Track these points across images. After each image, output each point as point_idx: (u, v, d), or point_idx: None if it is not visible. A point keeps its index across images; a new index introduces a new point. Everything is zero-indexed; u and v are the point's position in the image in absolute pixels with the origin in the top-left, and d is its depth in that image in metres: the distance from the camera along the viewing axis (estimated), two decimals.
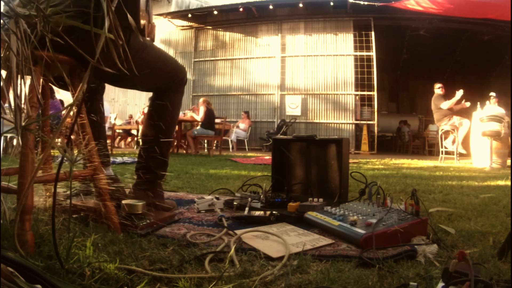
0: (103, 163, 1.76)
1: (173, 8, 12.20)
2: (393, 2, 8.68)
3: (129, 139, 11.29)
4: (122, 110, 12.44)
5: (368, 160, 6.63)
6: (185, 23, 11.67)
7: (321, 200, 1.68)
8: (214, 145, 8.02)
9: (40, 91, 1.08)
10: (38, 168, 0.90)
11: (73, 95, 1.21)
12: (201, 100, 7.63)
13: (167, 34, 11.82)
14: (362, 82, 9.88)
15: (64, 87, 1.46)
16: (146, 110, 8.60)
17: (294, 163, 2.08)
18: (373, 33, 9.87)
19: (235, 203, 1.75)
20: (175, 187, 2.52)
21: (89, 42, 0.93)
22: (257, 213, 1.61)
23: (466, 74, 12.78)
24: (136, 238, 1.18)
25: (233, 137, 9.68)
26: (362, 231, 1.19)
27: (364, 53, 9.90)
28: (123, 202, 1.32)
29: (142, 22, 1.47)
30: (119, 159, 4.81)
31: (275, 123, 10.49)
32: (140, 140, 1.85)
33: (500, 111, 5.28)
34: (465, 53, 11.79)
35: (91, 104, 1.81)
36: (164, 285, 0.86)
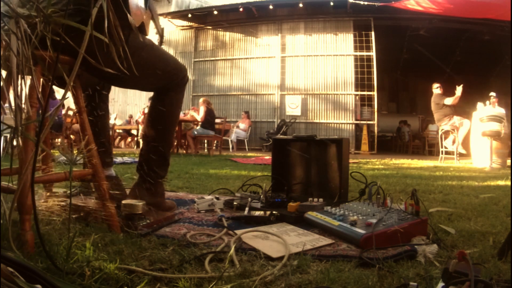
0: (106, 163, 1.76)
1: (173, 8, 12.20)
2: (393, 2, 8.67)
3: (129, 139, 11.30)
4: (122, 110, 12.44)
5: (368, 160, 6.63)
6: (185, 23, 11.67)
7: (321, 200, 1.68)
8: (214, 145, 8.02)
9: (40, 91, 1.08)
10: (25, 167, 0.90)
11: (73, 95, 1.21)
12: (201, 100, 7.63)
13: (167, 34, 11.81)
14: (362, 82, 9.88)
15: (64, 87, 1.46)
16: (146, 110, 8.60)
17: (294, 163, 2.08)
18: (373, 33, 9.87)
19: (235, 203, 1.75)
20: (175, 187, 2.52)
21: (88, 41, 0.93)
22: (257, 213, 1.61)
23: (466, 74, 12.77)
24: (136, 238, 1.18)
25: (233, 137, 9.68)
26: (362, 231, 1.19)
27: (364, 53, 9.90)
28: (123, 202, 1.32)
29: (141, 20, 1.46)
30: (119, 159, 4.81)
31: (275, 123, 10.49)
32: (141, 140, 1.85)
33: (500, 111, 5.28)
34: (465, 53, 11.78)
35: (96, 103, 1.81)
36: (164, 285, 0.86)
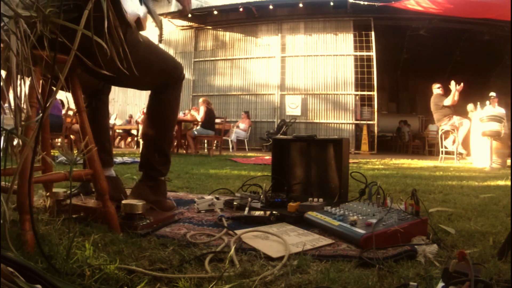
0: (106, 163, 1.77)
1: (173, 8, 12.18)
2: (393, 2, 8.68)
3: (129, 139, 11.31)
4: (122, 110, 12.45)
5: (368, 160, 6.63)
6: (185, 23, 11.68)
7: (321, 200, 1.67)
8: (214, 145, 8.02)
9: (40, 91, 1.08)
10: (19, 167, 0.90)
11: (72, 95, 1.21)
12: (200, 100, 7.64)
13: (167, 34, 11.82)
14: (362, 82, 9.89)
15: (63, 87, 1.46)
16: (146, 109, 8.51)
17: (294, 163, 2.08)
18: (373, 33, 9.87)
19: (235, 203, 1.75)
20: (175, 187, 2.52)
21: (86, 39, 0.93)
22: (257, 213, 1.61)
23: (466, 74, 12.76)
24: (136, 238, 1.18)
25: (233, 137, 9.68)
26: (362, 231, 1.19)
27: (364, 53, 9.90)
28: (123, 202, 1.32)
29: (136, 15, 1.45)
30: (119, 159, 4.81)
31: (275, 123, 10.49)
32: (141, 140, 1.86)
33: (500, 111, 5.28)
34: (465, 53, 11.79)
35: (96, 104, 1.81)
36: (164, 285, 0.86)
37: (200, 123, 7.34)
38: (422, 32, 10.25)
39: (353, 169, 2.38)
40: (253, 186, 2.19)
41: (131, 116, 11.62)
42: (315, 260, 1.05)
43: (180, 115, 8.60)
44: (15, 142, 0.91)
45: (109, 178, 1.68)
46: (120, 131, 10.85)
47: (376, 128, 10.09)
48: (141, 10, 1.41)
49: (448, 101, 6.27)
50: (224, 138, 8.41)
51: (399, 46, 12.15)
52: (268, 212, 1.56)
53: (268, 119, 10.80)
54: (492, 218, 1.65)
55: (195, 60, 11.60)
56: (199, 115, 7.36)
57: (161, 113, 1.61)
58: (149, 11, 1.56)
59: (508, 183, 3.15)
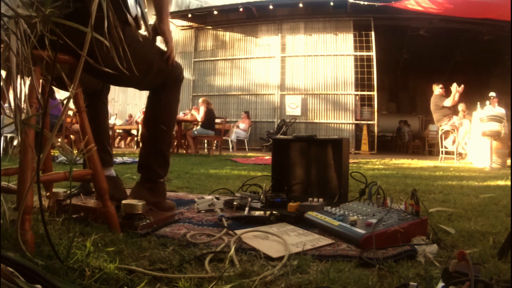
0: (107, 163, 1.76)
1: (173, 8, 12.19)
2: (393, 2, 8.68)
3: (129, 139, 11.30)
4: (122, 110, 12.45)
5: (368, 160, 6.63)
6: (185, 23, 11.67)
7: (321, 200, 1.67)
8: (214, 145, 8.02)
9: (40, 91, 1.08)
10: (39, 166, 0.90)
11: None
12: (200, 100, 7.64)
13: (170, 25, 11.79)
14: (362, 82, 9.88)
15: (63, 87, 1.46)
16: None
17: (294, 163, 2.08)
18: (373, 33, 9.87)
19: (235, 203, 1.75)
20: (175, 187, 2.52)
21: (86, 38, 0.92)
22: (257, 213, 1.61)
23: (466, 74, 12.77)
24: (136, 238, 1.18)
25: (233, 137, 9.68)
26: (362, 231, 1.19)
27: (364, 53, 9.90)
28: (123, 202, 1.32)
29: (135, 15, 1.45)
30: (119, 159, 4.81)
31: (275, 123, 10.49)
32: (140, 140, 1.85)
33: (500, 111, 5.28)
34: (465, 53, 11.79)
35: (95, 104, 1.81)
36: (164, 285, 0.86)
37: (200, 123, 7.34)
38: (422, 32, 10.25)
39: (353, 169, 2.38)
40: (253, 186, 2.19)
41: (130, 116, 11.62)
42: (315, 260, 1.05)
43: (180, 115, 8.60)
44: (15, 143, 0.91)
45: (109, 178, 1.68)
46: (120, 131, 10.85)
47: (376, 128, 10.09)
48: (138, 10, 1.41)
49: (448, 102, 6.29)
50: (224, 138, 8.41)
51: (399, 46, 12.14)
52: (268, 212, 1.56)
53: (268, 119, 10.80)
54: (492, 218, 1.65)
55: (195, 60, 11.60)
56: (199, 115, 7.36)
57: (160, 114, 1.61)
58: (142, 15, 1.56)
59: (508, 183, 3.15)
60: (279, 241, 1.20)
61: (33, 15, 0.88)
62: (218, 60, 11.41)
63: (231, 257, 1.02)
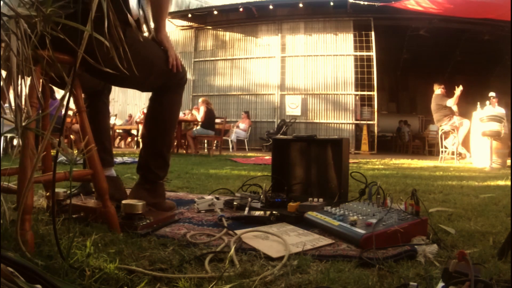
0: (107, 163, 1.76)
1: (173, 8, 12.19)
2: (393, 2, 8.68)
3: (129, 139, 11.31)
4: (122, 110, 12.45)
5: (368, 160, 6.63)
6: (185, 23, 11.67)
7: (321, 200, 1.67)
8: (214, 145, 8.02)
9: (40, 91, 1.08)
10: (35, 165, 0.90)
11: (73, 95, 1.21)
12: (200, 100, 7.64)
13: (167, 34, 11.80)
14: (362, 82, 9.89)
15: (63, 87, 1.46)
16: (146, 110, 8.55)
17: (294, 163, 2.08)
18: (373, 33, 9.87)
19: (235, 203, 1.75)
20: (175, 187, 2.52)
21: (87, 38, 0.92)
22: (257, 213, 1.61)
23: (466, 74, 12.77)
24: (136, 238, 1.18)
25: (233, 137, 9.68)
26: (362, 231, 1.19)
27: (364, 53, 9.90)
28: (123, 202, 1.32)
29: (135, 17, 1.46)
30: (119, 159, 4.81)
31: (275, 123, 10.49)
32: (140, 140, 1.85)
33: (500, 111, 5.28)
34: (465, 53, 11.79)
35: (96, 104, 1.81)
36: (164, 285, 0.86)
37: (200, 123, 7.34)
38: (422, 32, 10.25)
39: (353, 169, 2.38)
40: (253, 186, 2.19)
41: (130, 116, 11.62)
42: (315, 260, 1.05)
43: (180, 115, 8.60)
44: (15, 142, 0.91)
45: (110, 178, 1.68)
46: (120, 131, 10.85)
47: (376, 128, 10.09)
48: (140, 13, 1.42)
49: (451, 102, 6.32)
50: (224, 138, 8.41)
51: (399, 46, 12.14)
52: (268, 212, 1.56)
53: (268, 119, 10.80)
54: (492, 218, 1.65)
55: (195, 60, 11.60)
56: (199, 115, 7.37)
57: (161, 115, 1.60)
58: (145, 17, 1.56)
59: (508, 183, 3.16)
60: (279, 241, 1.20)
61: (33, 15, 0.88)
62: (218, 60, 11.41)
63: (231, 257, 1.02)
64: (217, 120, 8.05)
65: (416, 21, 9.84)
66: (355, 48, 10.05)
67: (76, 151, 1.10)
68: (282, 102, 10.67)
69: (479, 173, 4.22)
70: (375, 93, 9.82)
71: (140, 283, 0.84)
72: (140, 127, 8.97)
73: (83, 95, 1.72)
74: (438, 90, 6.70)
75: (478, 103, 5.70)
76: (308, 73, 10.47)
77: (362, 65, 9.92)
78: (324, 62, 10.36)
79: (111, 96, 1.93)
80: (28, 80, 0.96)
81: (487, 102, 5.49)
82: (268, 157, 6.37)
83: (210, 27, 11.57)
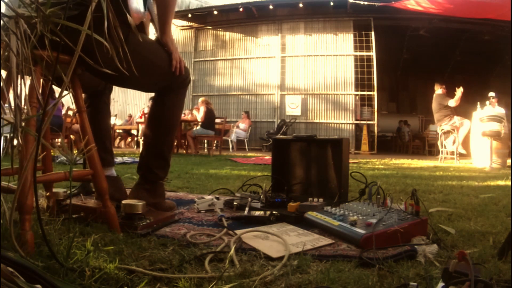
0: (107, 162, 1.76)
1: None
2: (393, 2, 8.68)
3: (129, 139, 11.31)
4: (122, 110, 12.45)
5: (368, 160, 6.63)
6: (185, 23, 11.67)
7: (321, 200, 1.67)
8: (214, 145, 8.02)
9: (40, 91, 1.08)
10: (27, 164, 0.90)
11: (72, 95, 1.21)
12: (200, 100, 7.64)
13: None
14: (362, 82, 9.89)
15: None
16: (146, 110, 8.59)
17: (294, 163, 2.08)
18: (373, 33, 9.87)
19: (235, 203, 1.75)
20: (175, 187, 2.52)
21: (87, 38, 0.92)
22: (257, 213, 1.61)
23: (466, 74, 12.78)
24: (136, 238, 1.18)
25: (233, 137, 9.68)
26: (362, 231, 1.19)
27: (364, 53, 9.90)
28: (123, 202, 1.32)
29: (140, 20, 1.46)
30: (119, 159, 4.81)
31: (275, 123, 10.49)
32: (141, 140, 1.86)
33: (500, 111, 5.28)
34: (465, 53, 11.79)
35: (97, 104, 1.81)
36: (164, 285, 0.86)
37: (200, 123, 7.34)
38: (422, 32, 10.25)
39: (353, 169, 2.38)
40: (253, 186, 2.19)
41: (130, 116, 11.62)
42: (315, 260, 1.05)
43: None
44: (15, 142, 0.91)
45: (110, 177, 1.68)
46: (120, 131, 10.85)
47: (376, 128, 10.09)
48: (144, 14, 1.42)
49: (453, 103, 6.33)
50: (224, 138, 8.41)
51: (399, 46, 12.14)
52: (268, 212, 1.55)
53: (268, 119, 10.80)
54: (492, 218, 1.65)
55: (195, 60, 11.60)
56: (199, 115, 7.37)
57: (164, 116, 1.60)
58: (152, 19, 1.56)
59: (508, 183, 3.16)
60: (279, 241, 1.20)
61: (33, 15, 0.89)
62: (218, 60, 11.41)
63: (231, 257, 1.02)
64: (217, 120, 8.05)
65: (416, 21, 9.84)
66: (355, 48, 10.05)
67: (76, 151, 1.10)
68: (282, 102, 10.67)
69: (479, 173, 4.22)
70: (375, 93, 9.82)
71: (140, 283, 0.84)
72: (140, 127, 8.97)
73: (83, 95, 1.72)
74: (439, 90, 6.71)
75: (478, 103, 5.70)
76: (308, 73, 10.47)
77: (362, 65, 9.92)
78: (324, 62, 10.36)
79: (111, 96, 1.93)
80: (28, 80, 0.96)
81: (487, 102, 5.49)
82: (268, 157, 6.37)
83: (210, 27, 11.57)
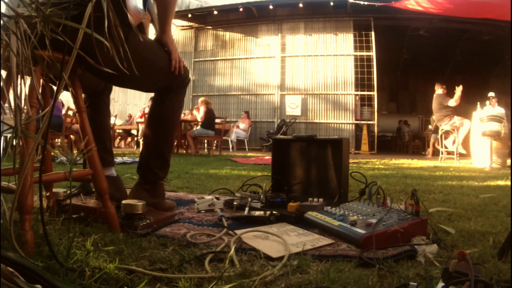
0: (108, 162, 1.76)
1: None
2: (393, 2, 8.68)
3: (129, 139, 11.31)
4: (122, 110, 12.45)
5: (368, 160, 6.63)
6: (185, 23, 11.68)
7: (321, 200, 1.67)
8: (214, 145, 8.02)
9: (40, 91, 1.08)
10: (25, 165, 0.90)
11: (72, 95, 1.21)
12: (200, 100, 7.64)
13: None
14: (362, 82, 9.89)
15: (64, 87, 1.46)
16: (146, 110, 8.58)
17: (294, 163, 2.08)
18: (373, 33, 9.88)
19: (235, 203, 1.75)
20: (175, 187, 2.52)
21: (87, 38, 0.92)
22: (257, 213, 1.61)
23: (466, 74, 12.78)
24: (136, 238, 1.18)
25: (233, 137, 9.68)
26: (362, 231, 1.19)
27: (364, 53, 9.91)
28: (123, 202, 1.32)
29: (140, 20, 1.46)
30: (119, 159, 4.81)
31: (275, 123, 10.49)
32: (141, 140, 1.86)
33: (500, 111, 5.28)
34: (465, 53, 11.80)
35: (97, 104, 1.81)
36: (164, 285, 0.86)
37: (200, 123, 7.35)
38: (422, 32, 10.26)
39: (353, 169, 2.38)
40: (253, 186, 2.19)
41: (130, 116, 11.62)
42: (315, 260, 1.05)
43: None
44: (15, 142, 0.91)
45: (110, 177, 1.68)
46: (120, 131, 10.85)
47: (376, 128, 10.09)
48: (143, 14, 1.42)
49: (453, 102, 6.34)
50: (224, 138, 8.41)
51: (399, 46, 12.15)
52: (268, 212, 1.56)
53: (268, 119, 10.80)
54: (492, 218, 1.65)
55: (195, 60, 11.60)
56: (199, 115, 7.37)
57: (163, 116, 1.60)
58: (152, 20, 1.56)
59: (508, 183, 3.16)
60: (279, 241, 1.20)
61: (33, 15, 0.88)
62: (218, 60, 11.41)
63: (231, 257, 1.02)
64: (217, 120, 8.05)
65: (416, 21, 9.84)
66: (355, 48, 10.06)
67: (76, 151, 1.10)
68: (282, 102, 10.67)
69: (479, 173, 4.22)
70: (375, 93, 9.82)
71: (140, 283, 0.84)
72: (140, 127, 8.97)
73: (83, 95, 1.73)
74: (439, 90, 6.71)
75: (478, 103, 5.71)
76: (308, 73, 10.47)
77: (362, 65, 9.93)
78: (324, 62, 10.37)
79: (111, 96, 1.93)
80: (28, 80, 0.96)
81: (487, 102, 5.49)
82: (268, 157, 6.37)
83: (210, 27, 11.57)
